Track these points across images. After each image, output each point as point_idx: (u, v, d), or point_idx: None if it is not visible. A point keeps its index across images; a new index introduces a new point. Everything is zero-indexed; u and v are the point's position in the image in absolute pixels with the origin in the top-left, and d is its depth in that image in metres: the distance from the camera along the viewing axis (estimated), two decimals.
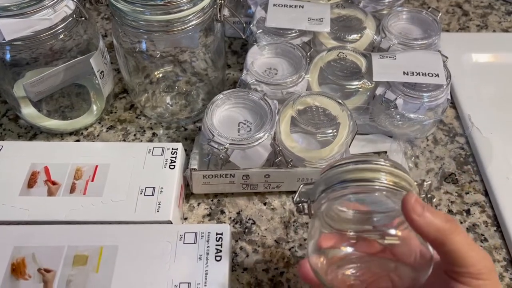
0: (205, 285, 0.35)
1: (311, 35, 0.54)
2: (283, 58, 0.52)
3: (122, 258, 0.37)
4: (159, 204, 0.40)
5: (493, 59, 0.61)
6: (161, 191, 0.41)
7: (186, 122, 0.54)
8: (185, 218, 0.46)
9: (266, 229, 0.45)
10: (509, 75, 0.60)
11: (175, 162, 0.44)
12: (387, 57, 0.50)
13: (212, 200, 0.47)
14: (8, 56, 0.44)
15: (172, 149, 0.45)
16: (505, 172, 0.48)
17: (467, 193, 0.48)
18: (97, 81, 0.49)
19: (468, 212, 0.47)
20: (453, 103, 0.56)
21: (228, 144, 0.43)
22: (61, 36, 0.45)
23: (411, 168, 0.50)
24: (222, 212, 0.47)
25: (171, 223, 0.40)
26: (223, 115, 0.47)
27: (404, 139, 0.52)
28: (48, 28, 0.43)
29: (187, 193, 0.47)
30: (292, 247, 0.44)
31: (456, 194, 0.48)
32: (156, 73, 0.56)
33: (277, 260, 0.43)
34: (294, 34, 0.54)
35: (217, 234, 0.39)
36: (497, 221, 0.46)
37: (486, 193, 0.48)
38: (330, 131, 0.46)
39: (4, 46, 0.43)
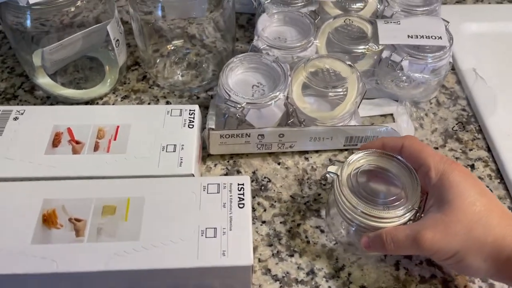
0: (230, 230, 0.37)
1: (317, 5, 0.56)
2: (292, 26, 0.54)
3: (149, 208, 0.38)
4: (181, 159, 0.42)
5: (490, 28, 0.64)
6: (182, 148, 0.43)
7: (198, 90, 0.55)
8: None
9: (281, 186, 0.47)
10: (506, 43, 0.62)
11: (193, 122, 0.45)
12: (391, 22, 0.52)
13: (228, 161, 0.49)
14: (28, 23, 0.46)
15: (190, 110, 0.46)
16: (507, 130, 0.51)
17: (470, 149, 0.51)
18: (112, 52, 0.50)
19: (472, 166, 0.49)
20: (453, 69, 0.58)
21: (244, 103, 0.45)
22: (78, 3, 0.46)
23: (417, 129, 0.52)
24: (238, 172, 0.48)
25: (194, 176, 0.41)
26: (237, 79, 0.49)
27: (410, 102, 0.54)
28: None
29: (204, 155, 0.49)
30: (307, 201, 0.46)
31: (461, 151, 0.51)
32: (168, 46, 0.57)
33: (293, 213, 0.45)
34: (300, 4, 0.56)
35: (238, 184, 0.40)
36: (500, 174, 0.48)
37: (488, 149, 0.51)
38: (340, 90, 0.48)
39: (26, 11, 0.44)
